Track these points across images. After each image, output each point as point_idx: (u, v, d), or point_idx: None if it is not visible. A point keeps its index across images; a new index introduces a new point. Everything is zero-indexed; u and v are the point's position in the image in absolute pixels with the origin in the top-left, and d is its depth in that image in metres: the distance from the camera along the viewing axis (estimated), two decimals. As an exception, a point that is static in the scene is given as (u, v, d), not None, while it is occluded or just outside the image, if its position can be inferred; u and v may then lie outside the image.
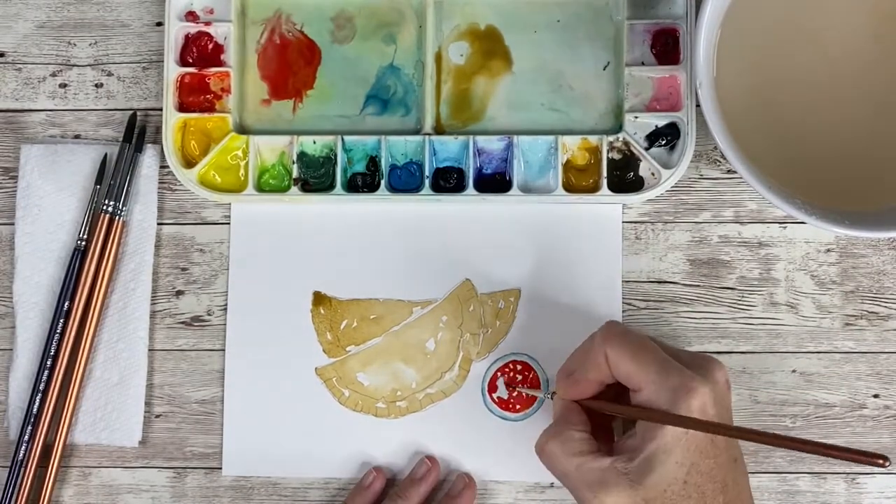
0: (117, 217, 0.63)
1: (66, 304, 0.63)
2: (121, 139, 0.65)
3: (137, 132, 0.64)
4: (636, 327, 0.63)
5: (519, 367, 0.64)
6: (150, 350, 0.64)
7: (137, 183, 0.64)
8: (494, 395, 0.63)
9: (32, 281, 0.64)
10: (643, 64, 0.63)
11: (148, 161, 0.65)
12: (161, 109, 0.64)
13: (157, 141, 0.65)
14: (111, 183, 0.64)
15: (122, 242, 0.64)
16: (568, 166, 0.64)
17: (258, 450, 0.63)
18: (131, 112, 0.65)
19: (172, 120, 0.64)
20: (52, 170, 0.64)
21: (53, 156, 0.64)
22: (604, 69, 0.65)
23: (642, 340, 0.55)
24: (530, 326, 0.64)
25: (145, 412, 0.64)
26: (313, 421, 0.63)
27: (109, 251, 0.63)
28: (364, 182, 0.64)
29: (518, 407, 0.63)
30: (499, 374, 0.64)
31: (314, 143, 0.64)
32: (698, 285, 0.64)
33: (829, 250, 0.64)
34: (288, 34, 0.66)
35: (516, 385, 0.63)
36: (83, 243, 0.63)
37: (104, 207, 0.63)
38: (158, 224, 0.65)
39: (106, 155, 0.64)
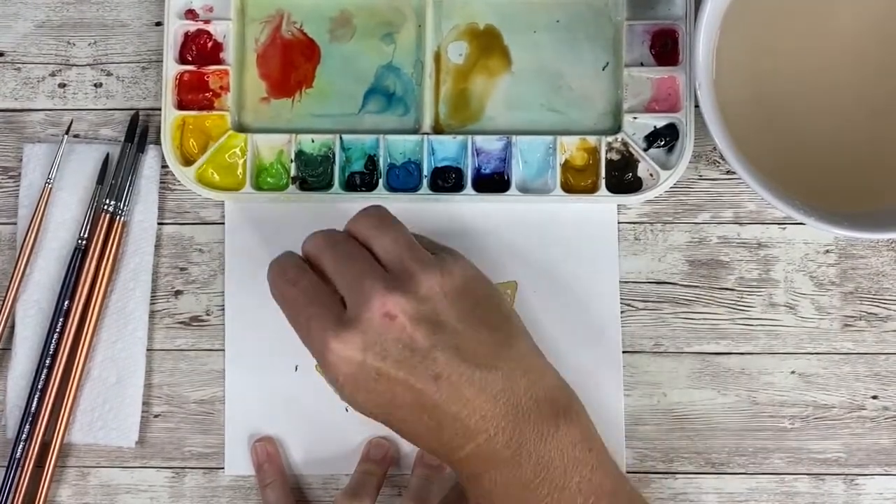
0: (118, 217, 0.63)
1: (66, 303, 0.63)
2: (120, 139, 0.65)
3: (140, 132, 0.64)
4: (636, 327, 0.63)
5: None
6: (148, 350, 0.64)
7: (139, 183, 0.64)
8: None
9: (33, 279, 0.64)
10: (642, 65, 0.63)
11: (150, 162, 0.65)
12: (160, 109, 0.64)
13: (157, 141, 0.65)
14: (112, 182, 0.64)
15: (123, 242, 0.64)
16: (566, 167, 0.63)
17: (257, 449, 0.64)
18: (132, 112, 0.65)
19: (171, 117, 0.64)
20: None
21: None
22: (603, 70, 0.65)
23: None
24: (528, 319, 0.63)
25: (144, 412, 0.64)
26: (314, 420, 0.63)
27: (110, 251, 0.63)
28: (362, 181, 0.64)
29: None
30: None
31: (312, 141, 0.64)
32: (697, 286, 0.64)
33: (828, 251, 0.64)
34: (287, 33, 0.66)
35: None
36: (84, 242, 0.63)
37: (105, 207, 0.63)
38: (157, 224, 0.65)
39: (108, 154, 0.64)
